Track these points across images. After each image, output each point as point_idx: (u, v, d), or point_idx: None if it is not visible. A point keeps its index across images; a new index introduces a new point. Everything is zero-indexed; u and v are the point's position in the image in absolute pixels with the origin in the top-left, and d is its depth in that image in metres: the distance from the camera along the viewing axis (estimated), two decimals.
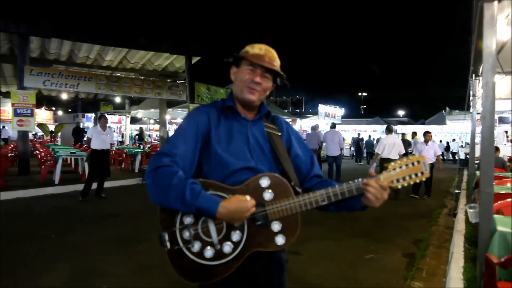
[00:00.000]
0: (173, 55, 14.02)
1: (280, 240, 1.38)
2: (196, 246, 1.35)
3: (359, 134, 24.09)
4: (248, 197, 1.33)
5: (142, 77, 13.99)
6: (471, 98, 7.89)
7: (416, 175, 1.41)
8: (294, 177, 1.50)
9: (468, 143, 20.34)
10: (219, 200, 1.31)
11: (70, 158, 11.98)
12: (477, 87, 7.26)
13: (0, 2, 9.69)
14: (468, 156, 12.65)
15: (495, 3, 3.10)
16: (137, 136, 22.75)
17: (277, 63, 1.55)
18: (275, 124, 1.64)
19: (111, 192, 8.89)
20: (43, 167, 10.06)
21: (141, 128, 23.74)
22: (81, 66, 14.19)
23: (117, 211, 7.04)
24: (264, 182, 1.39)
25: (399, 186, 1.42)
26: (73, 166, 12.12)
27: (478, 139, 8.42)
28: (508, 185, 5.47)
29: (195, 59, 14.23)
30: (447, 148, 25.28)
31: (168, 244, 1.35)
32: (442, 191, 10.15)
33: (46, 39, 11.56)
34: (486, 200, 3.15)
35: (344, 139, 13.69)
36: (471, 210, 3.61)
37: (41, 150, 12.85)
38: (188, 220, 1.35)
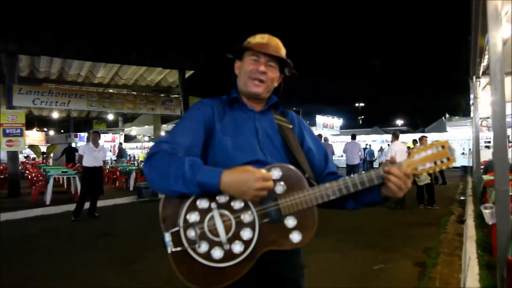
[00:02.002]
0: (166, 69, 13.89)
1: (296, 237, 1.22)
2: (203, 247, 1.19)
3: (367, 145, 23.90)
4: (262, 169, 1.18)
5: (135, 93, 13.83)
6: (471, 101, 7.75)
7: (441, 161, 1.28)
8: (308, 169, 1.36)
9: (470, 150, 20.28)
10: (221, 169, 1.15)
11: (62, 178, 11.68)
12: (478, 89, 7.14)
13: None
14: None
15: None
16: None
17: (282, 51, 1.43)
18: (286, 117, 1.51)
19: (105, 211, 8.61)
20: (33, 187, 9.76)
21: (120, 144, 23.07)
22: (72, 83, 14.00)
23: (111, 230, 6.77)
24: (275, 173, 1.24)
25: (424, 174, 1.30)
26: (65, 186, 11.83)
27: (481, 144, 8.32)
28: None
29: (188, 73, 14.11)
30: None
31: (171, 246, 1.20)
32: (448, 198, 9.95)
33: (35, 57, 11.39)
34: (503, 198, 2.96)
35: (362, 149, 14.04)
36: (487, 211, 3.41)
37: (32, 171, 12.53)
38: (193, 217, 1.20)
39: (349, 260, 4.80)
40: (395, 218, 7.57)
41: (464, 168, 18.05)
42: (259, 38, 1.42)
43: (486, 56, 5.59)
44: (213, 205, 1.20)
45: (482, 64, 5.90)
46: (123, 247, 5.58)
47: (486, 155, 10.78)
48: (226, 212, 1.21)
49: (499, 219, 2.93)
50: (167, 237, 1.20)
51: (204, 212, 1.21)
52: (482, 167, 8.04)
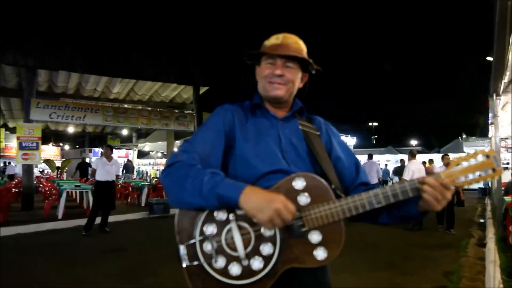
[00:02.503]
0: (180, 85, 14.03)
1: (320, 253, 1.12)
2: (220, 262, 1.11)
3: (386, 165, 23.48)
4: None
5: (149, 108, 13.95)
6: (490, 120, 7.55)
7: (485, 172, 1.15)
8: (335, 179, 1.26)
9: None
10: (245, 184, 1.08)
11: (75, 193, 11.72)
12: (498, 107, 6.96)
13: (8, 35, 9.76)
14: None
15: None
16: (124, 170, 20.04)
17: (301, 49, 1.34)
18: (312, 123, 1.42)
19: (116, 226, 8.55)
20: (46, 201, 9.79)
21: (128, 160, 22.71)
22: (88, 98, 14.23)
23: (122, 245, 6.69)
24: (299, 183, 1.15)
25: (466, 186, 1.17)
26: (78, 201, 11.84)
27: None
28: None
29: (203, 89, 14.20)
30: None
31: (186, 260, 1.12)
32: (466, 221, 9.62)
33: (53, 72, 11.63)
34: None
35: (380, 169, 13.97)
36: None
37: (46, 185, 12.62)
38: (210, 229, 1.12)
39: (365, 282, 4.61)
40: (412, 238, 7.32)
41: (482, 190, 17.57)
42: (273, 40, 1.35)
43: (508, 73, 5.46)
44: (231, 216, 1.12)
45: (503, 81, 5.76)
46: (133, 262, 5.49)
47: (506, 176, 10.46)
48: (245, 225, 1.12)
49: None
50: (182, 250, 1.12)
51: (221, 224, 1.13)
52: (502, 188, 7.77)
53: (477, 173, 1.16)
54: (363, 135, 47.40)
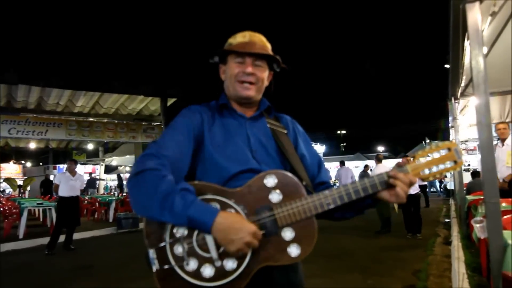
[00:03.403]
0: (148, 97, 13.76)
1: (294, 250, 1.12)
2: (192, 264, 1.08)
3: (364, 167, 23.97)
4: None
5: (116, 121, 13.59)
6: (450, 124, 7.87)
7: (448, 164, 1.20)
8: (305, 176, 1.27)
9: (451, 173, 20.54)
10: (218, 210, 1.06)
11: (38, 211, 11.20)
12: (457, 110, 7.27)
13: None
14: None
15: (477, 4, 2.99)
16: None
17: (268, 47, 1.34)
18: (280, 121, 1.43)
19: (82, 243, 8.22)
20: (6, 221, 9.30)
21: (90, 174, 22.44)
22: (50, 113, 13.68)
23: (88, 263, 6.42)
24: (270, 181, 1.15)
25: (431, 178, 1.21)
26: (41, 220, 11.32)
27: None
28: (504, 204, 5.33)
29: (171, 101, 14.01)
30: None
31: (156, 264, 1.08)
32: (433, 221, 9.97)
33: (13, 86, 11.13)
34: (493, 211, 2.90)
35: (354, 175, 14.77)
36: (478, 225, 3.34)
37: (5, 203, 12.00)
38: (180, 231, 1.09)
39: (337, 285, 4.65)
40: (382, 241, 7.48)
41: (446, 192, 18.25)
42: (240, 38, 1.33)
43: (464, 77, 5.73)
44: None
45: (460, 85, 6.04)
46: (101, 280, 5.27)
47: (467, 177, 10.90)
48: None
49: (491, 233, 2.85)
50: (152, 253, 1.08)
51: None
52: (464, 188, 8.08)
53: (440, 166, 1.20)
54: (332, 142, 48.34)
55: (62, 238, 7.40)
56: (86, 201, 13.58)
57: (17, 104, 12.91)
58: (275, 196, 1.14)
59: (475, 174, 8.68)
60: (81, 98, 13.08)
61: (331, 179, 1.51)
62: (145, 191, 1.07)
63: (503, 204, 5.28)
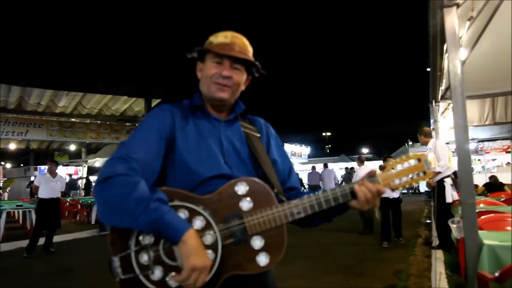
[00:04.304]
0: (131, 98, 13.63)
1: (263, 259, 1.10)
2: (157, 273, 1.04)
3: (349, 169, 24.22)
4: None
5: (98, 122, 13.40)
6: (431, 126, 8.00)
7: (418, 174, 1.23)
8: (277, 183, 1.25)
9: None
10: (189, 225, 1.04)
11: (17, 213, 10.94)
12: (438, 113, 7.40)
13: None
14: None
15: (454, 8, 3.06)
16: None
17: (248, 51, 1.31)
18: (254, 125, 1.40)
19: (63, 245, 8.08)
20: None
21: (70, 175, 22.15)
22: (31, 113, 13.41)
23: (69, 265, 6.32)
24: (241, 188, 1.13)
25: (400, 188, 1.25)
26: (20, 222, 11.05)
27: None
28: (481, 205, 5.46)
29: (155, 101, 13.89)
30: None
31: (120, 272, 1.04)
32: (414, 222, 10.11)
33: None
34: (469, 211, 2.96)
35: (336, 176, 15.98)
36: (454, 225, 3.41)
37: None
38: (146, 239, 1.05)
39: (319, 286, 4.68)
40: (365, 242, 7.55)
41: (428, 193, 18.56)
42: (221, 38, 1.28)
43: (444, 80, 5.84)
44: None
45: (440, 88, 6.16)
46: (81, 283, 5.18)
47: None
48: None
49: (467, 233, 2.91)
50: (116, 262, 1.04)
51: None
52: None
53: (410, 176, 1.23)
54: (317, 144, 48.65)
55: (42, 240, 7.25)
56: (67, 203, 13.33)
57: None
58: (246, 204, 1.13)
59: (456, 175, 8.84)
60: (63, 98, 12.85)
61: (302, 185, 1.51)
62: (115, 198, 1.03)
63: (481, 205, 5.43)
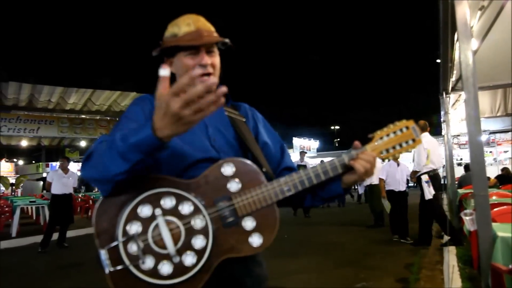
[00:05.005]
0: (140, 94, 13.72)
1: (256, 240, 1.07)
2: (148, 262, 1.01)
3: None
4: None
5: (108, 118, 13.51)
6: (442, 118, 7.91)
7: (406, 142, 1.21)
8: (265, 163, 1.23)
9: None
10: (148, 121, 0.93)
11: (31, 209, 11.13)
12: (448, 105, 7.31)
13: None
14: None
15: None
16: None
17: (213, 30, 1.26)
18: (238, 110, 1.38)
19: (75, 241, 8.18)
20: None
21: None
22: (42, 110, 13.59)
23: (81, 260, 6.38)
24: (228, 169, 1.10)
25: (390, 158, 1.23)
26: (34, 218, 11.24)
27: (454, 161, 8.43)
28: (494, 197, 5.40)
29: None
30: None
31: (109, 265, 1.01)
32: None
33: (3, 83, 11.03)
34: (482, 204, 2.92)
35: None
36: (467, 218, 3.37)
37: None
38: (134, 228, 1.02)
39: (329, 280, 4.66)
40: (373, 235, 7.52)
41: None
42: (185, 27, 1.22)
43: (455, 71, 5.76)
44: (158, 211, 1.04)
45: (451, 80, 6.08)
46: (93, 277, 5.25)
47: (459, 171, 11.00)
48: (173, 219, 1.05)
49: (480, 225, 2.88)
50: (104, 254, 1.02)
51: (147, 221, 1.03)
52: (456, 182, 8.15)
53: (399, 145, 1.21)
54: (326, 138, 48.47)
55: (55, 236, 7.38)
56: (79, 199, 13.51)
57: (8, 102, 12.81)
58: (234, 185, 1.10)
59: (468, 168, 8.75)
60: (73, 95, 13.00)
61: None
62: (95, 161, 1.02)
63: (494, 197, 5.38)
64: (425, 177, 5.85)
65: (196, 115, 0.88)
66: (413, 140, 1.20)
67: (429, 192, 5.83)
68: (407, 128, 1.21)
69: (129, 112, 1.22)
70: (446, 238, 6.02)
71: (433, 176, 5.91)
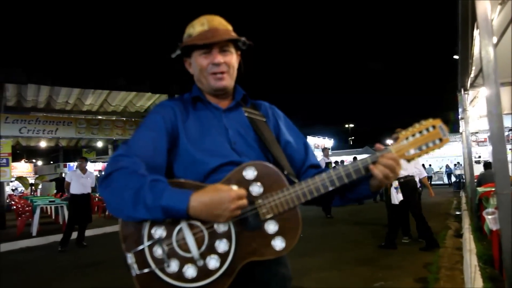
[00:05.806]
0: (155, 94, 13.85)
1: (278, 243, 1.08)
2: (173, 266, 1.04)
3: None
4: (234, 186, 1.03)
5: (124, 119, 13.68)
6: (460, 115, 7.77)
7: (433, 142, 1.16)
8: (287, 165, 1.22)
9: (460, 164, 20.25)
10: (190, 191, 1.00)
11: (50, 208, 11.35)
12: (467, 102, 7.17)
13: None
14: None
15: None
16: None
17: (229, 29, 1.26)
18: (258, 109, 1.36)
19: (94, 240, 8.35)
20: (19, 219, 9.44)
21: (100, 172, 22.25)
22: (60, 112, 13.85)
23: (99, 259, 6.50)
24: (250, 173, 1.10)
25: (416, 158, 1.16)
26: (53, 217, 11.47)
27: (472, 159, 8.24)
28: None
29: None
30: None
31: (135, 268, 1.04)
32: (443, 214, 9.85)
33: (22, 85, 11.27)
34: (505, 202, 2.84)
35: None
36: (490, 217, 3.31)
37: (18, 202, 12.19)
38: (158, 232, 1.05)
39: (348, 278, 4.63)
40: None
41: (457, 184, 18.09)
42: (199, 27, 1.23)
43: (474, 67, 5.65)
44: None
45: (469, 76, 5.95)
46: (111, 276, 5.32)
47: (478, 169, 10.79)
48: (197, 223, 1.06)
49: (503, 224, 2.82)
50: (130, 258, 1.05)
51: (171, 225, 1.06)
52: (475, 180, 7.99)
53: (426, 144, 1.16)
54: (341, 137, 48.17)
55: (74, 235, 7.52)
56: (97, 198, 13.73)
57: (27, 104, 13.10)
58: (256, 189, 1.10)
59: (487, 165, 8.57)
60: (90, 96, 13.21)
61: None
62: (117, 191, 1.03)
63: None
64: (394, 183, 5.95)
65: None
66: (440, 140, 1.16)
67: (396, 198, 5.94)
68: (433, 127, 1.16)
69: (149, 120, 1.22)
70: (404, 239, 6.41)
71: (404, 182, 5.98)
